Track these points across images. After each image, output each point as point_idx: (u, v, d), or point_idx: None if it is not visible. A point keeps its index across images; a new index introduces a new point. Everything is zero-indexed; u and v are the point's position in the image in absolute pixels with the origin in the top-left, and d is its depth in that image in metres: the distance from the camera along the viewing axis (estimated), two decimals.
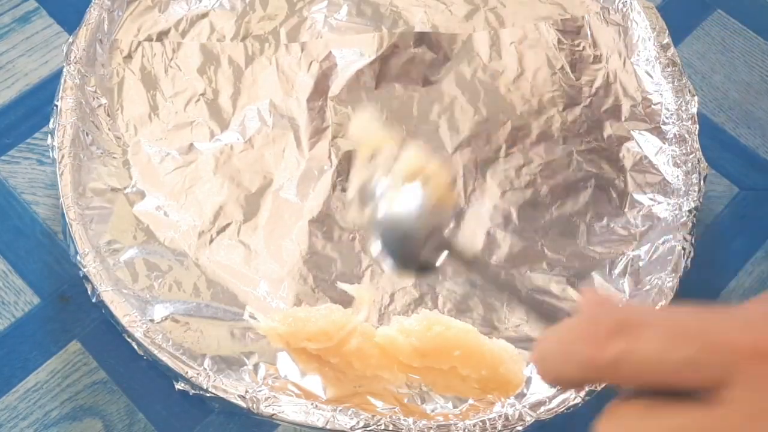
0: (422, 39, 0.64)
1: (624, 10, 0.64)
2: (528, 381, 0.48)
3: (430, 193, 0.38)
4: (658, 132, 0.59)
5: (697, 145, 0.57)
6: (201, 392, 0.47)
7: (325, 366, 0.49)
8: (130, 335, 0.49)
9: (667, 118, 0.59)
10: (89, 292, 0.50)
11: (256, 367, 0.50)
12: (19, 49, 0.67)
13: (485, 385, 0.47)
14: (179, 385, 0.48)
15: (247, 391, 0.47)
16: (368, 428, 0.46)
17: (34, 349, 0.55)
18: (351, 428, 0.46)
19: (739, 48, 0.70)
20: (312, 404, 0.47)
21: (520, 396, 0.48)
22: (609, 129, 0.61)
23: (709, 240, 0.61)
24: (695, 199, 0.55)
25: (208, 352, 0.50)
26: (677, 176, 0.56)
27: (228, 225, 0.56)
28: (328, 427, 0.46)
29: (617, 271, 0.55)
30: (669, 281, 0.51)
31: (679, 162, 0.57)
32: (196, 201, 0.57)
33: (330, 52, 0.63)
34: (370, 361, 0.48)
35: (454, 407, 0.48)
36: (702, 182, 0.55)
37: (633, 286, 0.54)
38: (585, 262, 0.56)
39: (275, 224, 0.57)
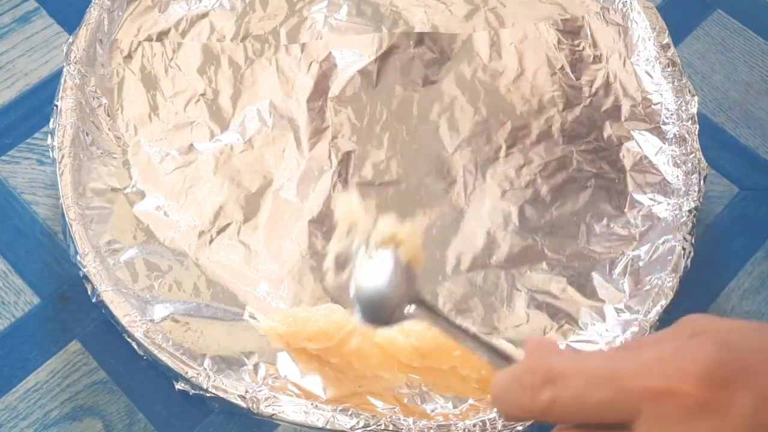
0: (422, 39, 0.64)
1: (624, 10, 0.64)
2: None
3: (402, 256, 0.43)
4: (658, 132, 0.59)
5: (697, 145, 0.57)
6: (201, 392, 0.47)
7: (325, 366, 0.49)
8: (130, 335, 0.49)
9: (667, 118, 0.59)
10: (89, 292, 0.50)
11: (256, 367, 0.50)
12: (19, 49, 0.67)
13: (485, 385, 0.48)
14: (179, 385, 0.48)
15: (247, 391, 0.47)
16: (368, 428, 0.46)
17: (34, 349, 0.55)
18: (351, 428, 0.46)
19: (739, 48, 0.70)
20: (312, 404, 0.47)
21: None
22: (609, 129, 0.61)
23: (709, 240, 0.61)
24: (695, 199, 0.55)
25: (208, 352, 0.50)
26: (677, 176, 0.56)
27: (228, 225, 0.56)
28: (328, 427, 0.46)
29: (617, 271, 0.55)
30: (669, 281, 0.51)
31: (679, 162, 0.57)
32: (196, 201, 0.57)
33: (330, 52, 0.63)
34: (370, 361, 0.48)
35: (454, 407, 0.48)
36: (702, 182, 0.55)
37: (633, 286, 0.54)
38: (585, 262, 0.56)
39: (275, 224, 0.57)
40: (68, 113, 0.56)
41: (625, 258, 0.55)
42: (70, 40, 0.59)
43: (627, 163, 0.60)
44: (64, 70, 0.57)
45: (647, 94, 0.61)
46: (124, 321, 0.49)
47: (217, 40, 0.64)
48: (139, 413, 0.53)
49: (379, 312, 0.43)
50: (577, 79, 0.63)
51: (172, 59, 0.63)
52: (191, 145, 0.59)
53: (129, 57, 0.62)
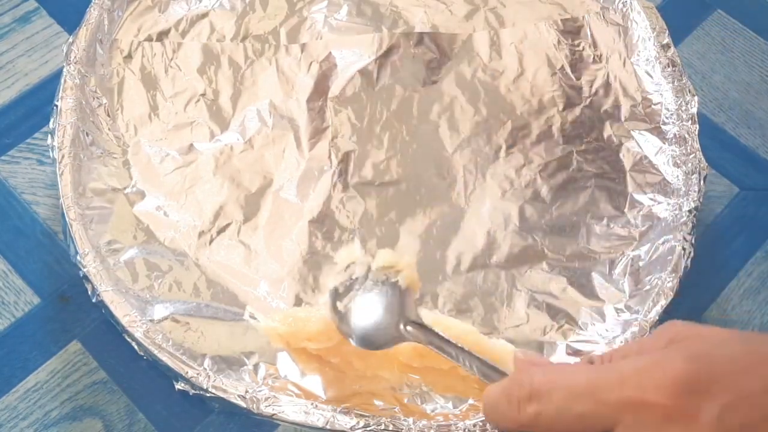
0: (422, 39, 0.64)
1: (624, 10, 0.64)
2: None
3: (401, 282, 0.46)
4: (658, 132, 0.59)
5: (697, 145, 0.57)
6: (201, 392, 0.47)
7: (325, 366, 0.49)
8: (130, 335, 0.49)
9: (667, 118, 0.59)
10: (89, 292, 0.50)
11: (256, 367, 0.50)
12: (19, 49, 0.67)
13: (485, 385, 0.47)
14: (179, 385, 0.48)
15: (247, 391, 0.47)
16: (368, 428, 0.46)
17: (34, 349, 0.55)
18: (351, 428, 0.46)
19: (739, 48, 0.70)
20: (312, 404, 0.47)
21: None
22: (609, 129, 0.61)
23: (709, 240, 0.61)
24: (695, 199, 0.55)
25: (208, 352, 0.50)
26: (677, 176, 0.56)
27: (228, 225, 0.56)
28: (328, 427, 0.46)
29: (617, 271, 0.55)
30: (669, 281, 0.51)
31: (679, 162, 0.57)
32: (196, 201, 0.57)
33: (330, 52, 0.63)
34: (370, 361, 0.48)
35: (454, 407, 0.48)
36: (702, 182, 0.55)
37: (633, 286, 0.54)
38: (585, 262, 0.56)
39: (275, 224, 0.57)
40: (68, 113, 0.56)
41: (625, 258, 0.55)
42: (70, 40, 0.59)
43: (627, 163, 0.60)
44: (64, 70, 0.57)
45: (647, 94, 0.61)
46: (124, 321, 0.49)
47: (217, 40, 0.64)
48: (139, 413, 0.53)
49: (377, 339, 0.46)
50: (577, 79, 0.63)
51: (172, 59, 0.63)
52: (191, 145, 0.59)
53: (129, 57, 0.62)
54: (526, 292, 0.55)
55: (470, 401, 0.48)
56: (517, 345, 0.50)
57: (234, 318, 0.52)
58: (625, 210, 0.58)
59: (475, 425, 0.46)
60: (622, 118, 0.61)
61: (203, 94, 0.61)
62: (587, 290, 0.55)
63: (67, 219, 0.52)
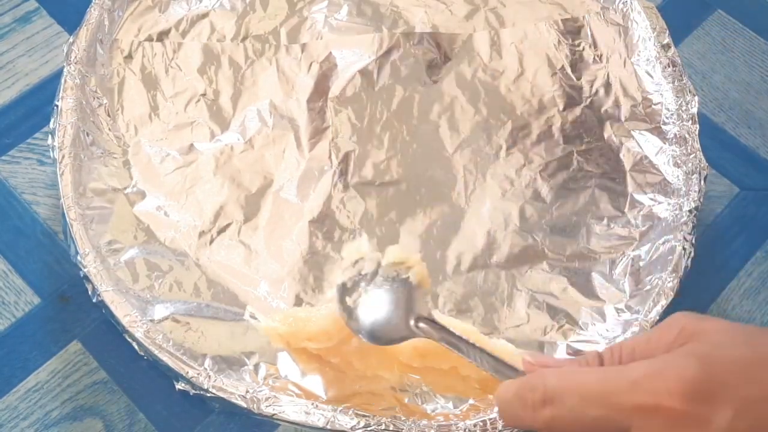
0: (422, 39, 0.64)
1: (624, 10, 0.64)
2: None
3: (412, 279, 0.47)
4: (659, 132, 0.59)
5: (697, 145, 0.57)
6: (201, 392, 0.47)
7: (325, 366, 0.49)
8: (131, 335, 0.49)
9: (667, 118, 0.59)
10: (90, 292, 0.50)
11: (256, 367, 0.50)
12: (19, 49, 0.67)
13: (486, 385, 0.48)
14: (180, 385, 0.48)
15: (247, 391, 0.47)
16: (368, 428, 0.46)
17: (35, 349, 0.55)
18: (351, 428, 0.46)
19: (739, 48, 0.70)
20: (312, 404, 0.47)
21: None
22: (609, 129, 0.61)
23: (709, 240, 0.61)
24: (695, 199, 0.55)
25: (208, 352, 0.50)
26: (677, 176, 0.56)
27: (228, 225, 0.57)
28: (328, 427, 0.46)
29: (617, 271, 0.55)
30: (669, 281, 0.51)
31: (679, 162, 0.57)
32: (196, 201, 0.57)
33: (330, 52, 0.63)
34: (370, 361, 0.48)
35: (455, 407, 0.48)
36: (702, 182, 0.55)
37: (633, 286, 0.54)
38: (585, 262, 0.56)
39: (275, 224, 0.57)
40: (69, 113, 0.56)
41: (625, 258, 0.55)
42: (71, 40, 0.59)
43: (627, 163, 0.60)
44: (65, 70, 0.57)
45: (647, 94, 0.61)
46: (125, 321, 0.49)
47: (218, 40, 0.64)
48: (139, 413, 0.53)
49: (386, 335, 0.46)
50: (578, 79, 0.63)
51: (172, 59, 0.63)
52: (191, 145, 0.59)
53: (129, 57, 0.62)
54: (526, 292, 0.55)
55: (470, 401, 0.48)
56: (517, 345, 0.50)
57: (234, 318, 0.52)
58: (626, 210, 0.58)
59: (475, 425, 0.46)
60: (623, 118, 0.61)
61: (203, 94, 0.61)
62: (587, 290, 0.55)
63: (67, 219, 0.52)
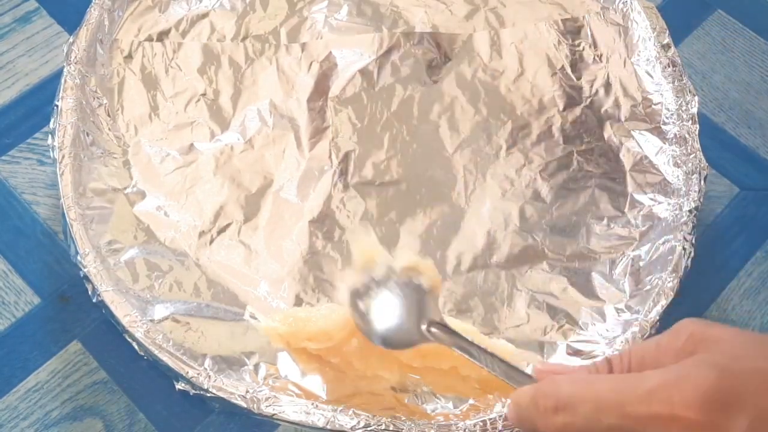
0: (422, 39, 0.64)
1: (624, 10, 0.64)
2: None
3: (424, 283, 0.46)
4: (659, 132, 0.59)
5: (697, 145, 0.57)
6: (201, 392, 0.47)
7: (325, 366, 0.49)
8: (131, 335, 0.49)
9: (667, 118, 0.59)
10: (89, 292, 0.50)
11: (256, 367, 0.50)
12: (19, 49, 0.67)
13: (486, 385, 0.48)
14: (180, 385, 0.48)
15: (247, 391, 0.47)
16: (368, 428, 0.46)
17: (35, 349, 0.55)
18: (351, 428, 0.46)
19: (739, 48, 0.70)
20: (312, 404, 0.47)
21: None
22: (609, 129, 0.61)
23: (709, 240, 0.61)
24: (695, 199, 0.54)
25: (208, 352, 0.50)
26: (677, 176, 0.56)
27: (228, 225, 0.57)
28: (328, 427, 0.46)
29: (617, 271, 0.55)
30: (669, 281, 0.51)
31: (679, 162, 0.57)
32: (196, 201, 0.57)
33: (330, 52, 0.63)
34: (370, 361, 0.48)
35: (455, 407, 0.48)
36: (702, 182, 0.55)
37: (633, 286, 0.54)
38: (585, 262, 0.56)
39: (275, 224, 0.57)
40: (69, 113, 0.56)
41: (625, 258, 0.55)
42: (71, 40, 0.59)
43: (627, 163, 0.60)
44: (65, 70, 0.57)
45: (647, 94, 0.61)
46: (125, 321, 0.49)
47: (218, 40, 0.64)
48: (139, 413, 0.53)
49: (399, 340, 0.46)
50: (578, 79, 0.63)
51: (172, 59, 0.63)
52: (191, 145, 0.59)
53: (129, 57, 0.62)
54: (526, 292, 0.55)
55: (470, 401, 0.48)
56: (517, 345, 0.50)
57: (234, 318, 0.52)
58: (626, 210, 0.58)
59: (475, 425, 0.46)
60: (623, 118, 0.61)
61: (203, 94, 0.62)
62: (587, 290, 0.55)
63: (67, 219, 0.52)
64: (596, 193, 0.59)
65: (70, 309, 0.56)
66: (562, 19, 0.65)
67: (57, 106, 0.56)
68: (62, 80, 0.57)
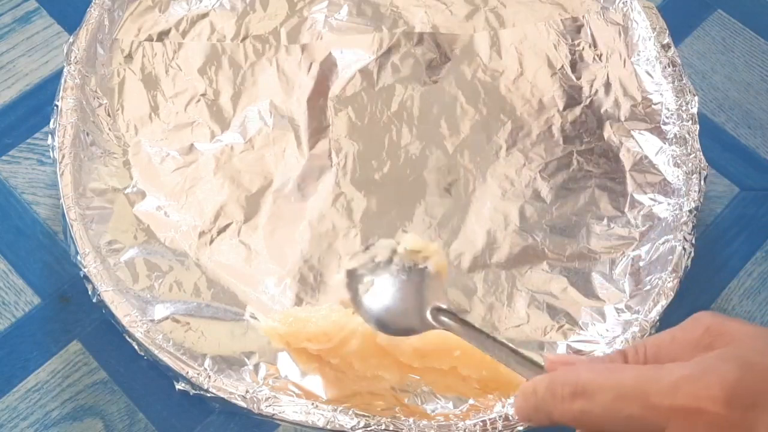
0: (422, 39, 0.64)
1: (624, 9, 0.64)
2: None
3: (431, 267, 0.45)
4: (659, 132, 0.59)
5: (697, 145, 0.57)
6: (201, 392, 0.47)
7: (325, 366, 0.49)
8: (131, 335, 0.49)
9: (667, 118, 0.59)
10: (90, 292, 0.50)
11: (256, 367, 0.50)
12: (19, 49, 0.67)
13: (486, 385, 0.48)
14: (180, 385, 0.48)
15: (247, 391, 0.47)
16: (368, 428, 0.46)
17: (35, 349, 0.55)
18: (351, 428, 0.46)
19: (739, 48, 0.70)
20: (312, 404, 0.47)
21: None
22: (609, 129, 0.61)
23: (709, 240, 0.61)
24: (695, 199, 0.55)
25: (208, 352, 0.50)
26: (677, 176, 0.56)
27: (228, 225, 0.57)
28: (328, 427, 0.46)
29: (617, 271, 0.55)
30: (669, 281, 0.51)
31: (679, 162, 0.57)
32: (196, 201, 0.57)
33: (330, 52, 0.63)
34: (370, 361, 0.48)
35: (455, 407, 0.48)
36: (702, 182, 0.55)
37: (633, 286, 0.54)
38: (585, 262, 0.56)
39: (276, 224, 0.57)
40: (69, 113, 0.56)
41: (625, 258, 0.55)
42: (71, 40, 0.59)
43: (627, 163, 0.60)
44: (65, 70, 0.57)
45: (647, 94, 0.61)
46: (125, 321, 0.49)
47: (218, 40, 0.64)
48: (139, 413, 0.53)
49: (396, 324, 0.45)
50: (577, 79, 0.63)
51: (172, 59, 0.63)
52: (192, 145, 0.59)
53: (129, 57, 0.62)
54: (526, 292, 0.55)
55: (470, 401, 0.48)
56: (517, 345, 0.49)
57: (234, 318, 0.52)
58: (626, 210, 0.58)
59: (475, 425, 0.46)
60: (623, 118, 0.61)
61: (204, 94, 0.62)
62: (587, 290, 0.55)
63: (67, 219, 0.52)
64: (596, 193, 0.59)
65: (70, 309, 0.56)
66: (562, 19, 0.65)
67: (57, 106, 0.56)
68: (62, 80, 0.57)
